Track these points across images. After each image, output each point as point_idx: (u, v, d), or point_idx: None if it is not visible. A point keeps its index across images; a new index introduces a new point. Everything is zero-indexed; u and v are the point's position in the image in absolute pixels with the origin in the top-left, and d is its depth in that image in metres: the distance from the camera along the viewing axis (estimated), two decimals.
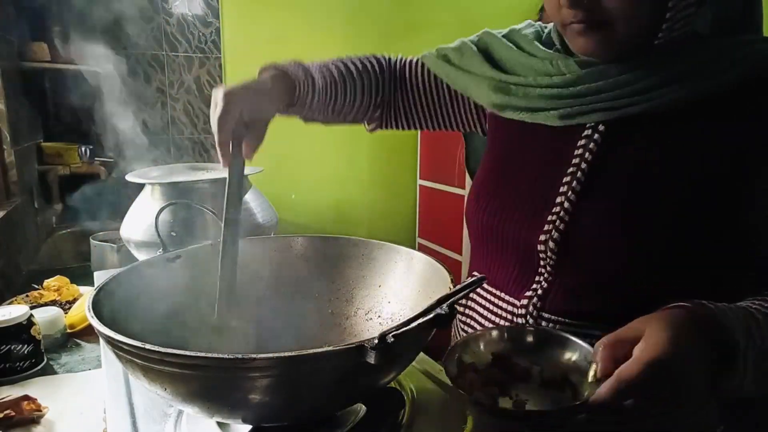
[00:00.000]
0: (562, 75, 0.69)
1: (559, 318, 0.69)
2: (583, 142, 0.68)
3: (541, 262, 0.70)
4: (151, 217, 0.92)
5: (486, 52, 0.80)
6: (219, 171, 1.36)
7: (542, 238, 0.68)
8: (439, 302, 0.53)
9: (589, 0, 0.60)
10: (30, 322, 0.97)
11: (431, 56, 0.87)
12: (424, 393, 0.73)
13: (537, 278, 0.71)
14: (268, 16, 2.50)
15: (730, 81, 0.61)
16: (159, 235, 0.90)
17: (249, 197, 1.27)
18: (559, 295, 0.69)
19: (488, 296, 0.79)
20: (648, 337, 0.50)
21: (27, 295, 1.29)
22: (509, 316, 0.74)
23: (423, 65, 0.91)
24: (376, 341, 0.49)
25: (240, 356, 0.48)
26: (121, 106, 2.33)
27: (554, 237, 0.67)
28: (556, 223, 0.68)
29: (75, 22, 2.19)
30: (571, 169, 0.68)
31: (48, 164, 2.09)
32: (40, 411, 0.82)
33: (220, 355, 0.49)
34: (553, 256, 0.68)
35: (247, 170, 1.29)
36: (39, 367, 0.98)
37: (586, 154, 0.67)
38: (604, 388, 0.50)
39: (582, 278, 0.66)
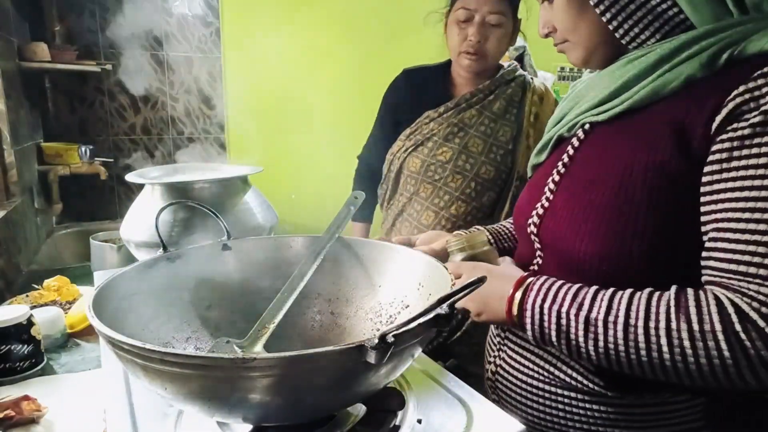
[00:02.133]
0: (573, 93, 0.84)
1: None
2: (573, 140, 0.78)
3: (535, 246, 0.81)
4: (151, 217, 0.92)
5: None
6: (219, 171, 1.36)
7: (528, 221, 0.80)
8: (439, 302, 0.53)
9: (544, 25, 0.78)
10: (30, 322, 0.97)
11: None
12: (424, 393, 0.73)
13: (535, 260, 0.81)
14: (268, 16, 2.50)
15: (693, 68, 0.63)
16: (159, 235, 0.90)
17: (249, 197, 1.27)
18: (549, 272, 0.75)
19: None
20: (493, 266, 0.80)
21: (27, 295, 1.29)
22: None
23: None
24: (376, 341, 0.49)
25: (240, 356, 0.48)
26: (121, 106, 2.33)
27: (535, 221, 0.79)
28: (538, 210, 0.79)
29: (75, 22, 2.19)
30: (558, 163, 0.79)
31: (48, 164, 2.09)
32: (40, 411, 0.82)
33: (220, 355, 0.49)
34: (537, 239, 0.79)
35: (247, 170, 1.30)
36: (39, 367, 0.98)
37: (569, 150, 0.77)
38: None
39: (560, 259, 0.75)
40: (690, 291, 0.60)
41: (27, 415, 0.80)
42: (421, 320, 0.52)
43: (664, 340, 0.58)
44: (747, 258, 0.57)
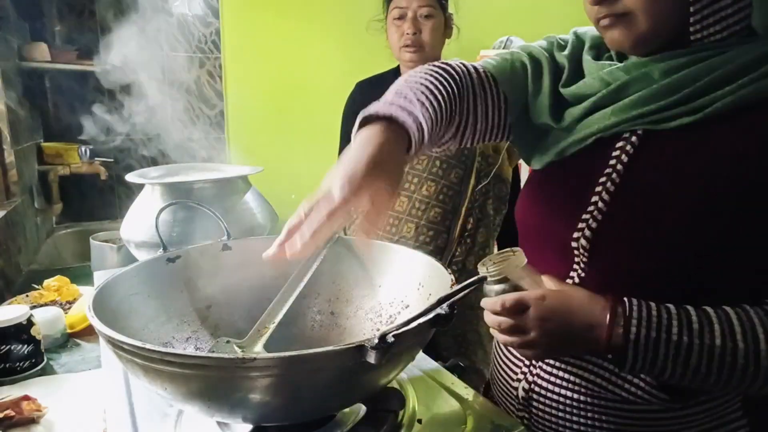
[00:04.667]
0: (607, 86, 0.70)
1: None
2: (620, 144, 0.69)
3: (575, 259, 0.71)
4: (151, 217, 0.92)
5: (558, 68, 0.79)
6: (219, 171, 1.36)
7: (576, 235, 0.70)
8: (439, 302, 0.53)
9: None
10: (30, 322, 0.97)
11: (504, 63, 0.84)
12: (424, 393, 0.73)
13: (571, 273, 0.72)
14: (268, 16, 2.49)
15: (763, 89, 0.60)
16: (159, 235, 0.90)
17: (249, 197, 1.27)
18: (587, 287, 0.68)
19: None
20: (562, 291, 0.64)
21: (27, 295, 1.29)
22: None
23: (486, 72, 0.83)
24: (376, 341, 0.49)
25: (240, 356, 0.48)
26: (121, 106, 2.33)
27: (586, 235, 0.69)
28: (589, 222, 0.69)
29: (75, 21, 2.19)
30: (607, 170, 0.69)
31: (48, 164, 2.09)
32: (40, 411, 0.82)
33: (220, 355, 0.49)
34: (585, 253, 0.70)
35: (247, 170, 1.30)
36: (39, 367, 0.98)
37: (623, 156, 0.69)
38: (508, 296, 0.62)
39: (610, 276, 0.67)
40: None
41: (27, 415, 0.80)
42: (421, 320, 0.52)
43: None
44: None
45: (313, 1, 2.57)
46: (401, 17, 1.45)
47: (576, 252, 0.71)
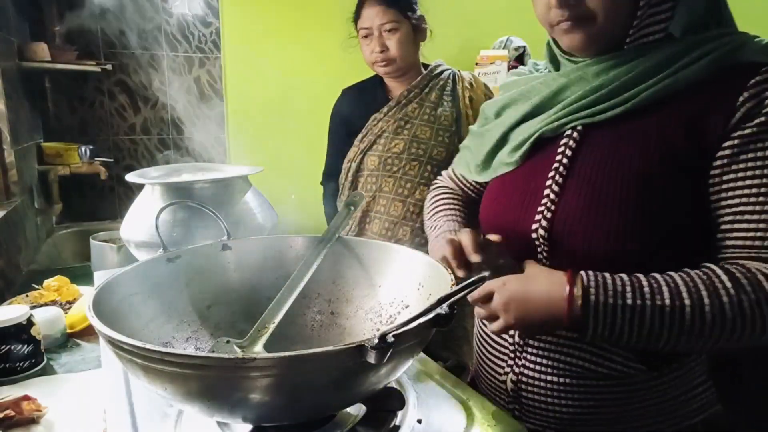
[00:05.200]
0: (549, 89, 0.80)
1: None
2: (564, 140, 0.77)
3: (538, 250, 0.77)
4: (151, 217, 0.92)
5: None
6: (219, 171, 1.36)
7: (533, 227, 0.77)
8: (439, 302, 0.53)
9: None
10: (30, 322, 0.97)
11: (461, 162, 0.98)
12: (424, 393, 0.73)
13: None
14: (268, 16, 2.49)
15: (701, 72, 0.68)
16: (159, 235, 0.90)
17: (249, 197, 1.27)
18: None
19: None
20: (524, 273, 0.72)
21: (27, 295, 1.29)
22: None
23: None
24: (376, 341, 0.49)
25: (240, 356, 0.48)
26: (121, 106, 2.33)
27: (543, 225, 0.75)
28: (544, 213, 0.76)
29: (75, 21, 2.19)
30: (554, 165, 0.77)
31: (48, 164, 2.09)
32: (40, 411, 0.82)
33: (220, 355, 0.49)
34: (545, 243, 0.76)
35: (247, 170, 1.30)
36: (39, 367, 0.98)
37: (567, 151, 0.76)
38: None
39: (571, 262, 0.71)
40: (733, 267, 0.65)
41: (27, 415, 0.80)
42: (421, 320, 0.52)
43: (731, 313, 0.62)
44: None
45: (313, 2, 2.57)
46: (367, 36, 1.50)
47: (537, 243, 0.77)
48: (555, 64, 0.82)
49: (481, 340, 0.89)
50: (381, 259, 0.84)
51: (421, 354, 0.82)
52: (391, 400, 0.69)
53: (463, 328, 1.58)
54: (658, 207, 0.69)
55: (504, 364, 0.83)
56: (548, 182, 0.77)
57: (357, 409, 0.67)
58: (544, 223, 0.75)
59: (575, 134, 0.76)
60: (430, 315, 0.52)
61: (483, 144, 0.89)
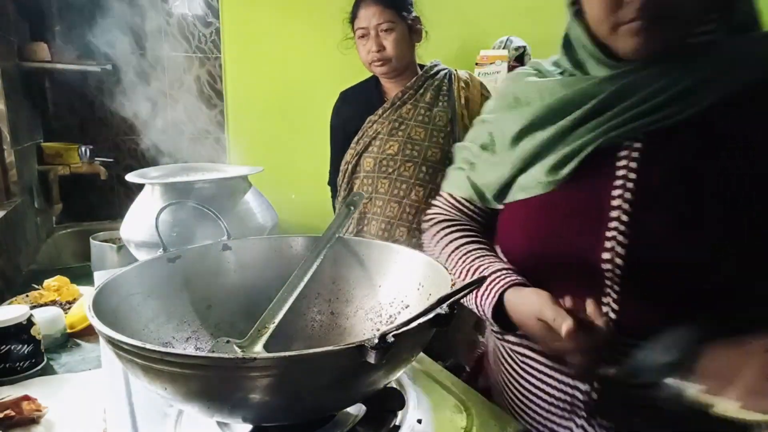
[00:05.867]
0: (592, 97, 0.70)
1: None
2: (624, 152, 0.68)
3: (607, 283, 0.67)
4: (151, 217, 0.92)
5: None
6: (219, 171, 1.36)
7: (605, 256, 0.67)
8: (439, 302, 0.53)
9: None
10: (30, 322, 0.97)
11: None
12: (424, 393, 0.73)
13: (604, 299, 0.69)
14: (268, 16, 2.49)
15: (757, 78, 0.63)
16: (159, 235, 0.90)
17: (249, 197, 1.27)
18: (630, 307, 0.66)
19: None
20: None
21: (27, 295, 1.29)
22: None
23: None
24: (376, 341, 0.49)
25: (240, 356, 0.48)
26: (121, 106, 2.33)
27: (619, 252, 0.66)
28: (618, 239, 0.66)
29: (75, 21, 2.19)
30: (618, 181, 0.68)
31: (48, 164, 2.08)
32: (40, 411, 0.82)
33: (220, 355, 0.49)
34: (617, 270, 0.66)
35: (247, 170, 1.30)
36: (39, 367, 0.98)
37: (631, 163, 0.67)
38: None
39: (652, 288, 0.64)
40: None
41: (27, 415, 0.80)
42: (421, 320, 0.52)
43: None
44: None
45: (313, 1, 2.57)
46: (364, 36, 1.51)
47: (607, 274, 0.67)
48: (580, 68, 0.74)
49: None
50: (381, 259, 0.84)
51: (421, 354, 0.82)
52: (391, 400, 0.69)
53: (463, 330, 1.58)
54: (745, 221, 0.61)
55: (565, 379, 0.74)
56: (614, 201, 0.67)
57: (357, 409, 0.67)
58: (619, 249, 0.66)
59: (637, 144, 0.67)
60: (430, 315, 0.52)
61: (502, 164, 0.78)
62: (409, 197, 1.50)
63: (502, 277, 0.74)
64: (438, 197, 0.95)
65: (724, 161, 0.63)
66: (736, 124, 0.64)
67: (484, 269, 0.77)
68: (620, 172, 0.67)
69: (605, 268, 0.67)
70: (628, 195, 0.66)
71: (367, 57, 1.52)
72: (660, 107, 0.65)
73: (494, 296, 0.73)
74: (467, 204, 0.89)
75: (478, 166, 0.85)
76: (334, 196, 1.77)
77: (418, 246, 1.43)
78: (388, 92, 1.59)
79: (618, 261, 0.66)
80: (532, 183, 0.74)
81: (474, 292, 0.76)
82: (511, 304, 0.71)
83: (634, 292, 0.67)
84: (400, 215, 1.50)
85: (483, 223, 0.89)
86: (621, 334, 0.66)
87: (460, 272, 0.80)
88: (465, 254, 0.81)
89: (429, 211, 0.96)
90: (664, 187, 0.65)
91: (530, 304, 0.68)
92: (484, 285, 0.75)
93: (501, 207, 0.82)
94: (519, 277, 0.74)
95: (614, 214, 0.67)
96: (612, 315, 0.69)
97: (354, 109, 1.61)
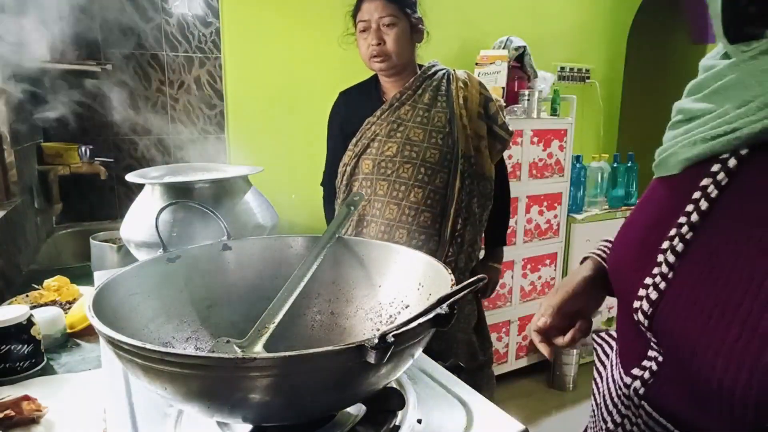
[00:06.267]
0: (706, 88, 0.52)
1: (660, 419, 0.53)
2: (715, 167, 0.49)
3: (649, 335, 0.53)
4: (151, 217, 0.92)
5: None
6: (219, 171, 1.36)
7: (636, 305, 0.53)
8: (439, 302, 0.53)
9: None
10: (30, 322, 0.97)
11: None
12: (424, 393, 0.73)
13: (648, 358, 0.55)
14: (268, 16, 2.49)
15: None
16: (159, 235, 0.90)
17: (249, 197, 1.27)
18: (667, 384, 0.52)
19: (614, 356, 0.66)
20: None
21: (27, 295, 1.29)
22: (615, 392, 0.60)
23: None
24: (376, 341, 0.49)
25: (240, 356, 0.48)
26: (121, 106, 2.32)
27: (643, 308, 0.52)
28: (649, 290, 0.51)
29: (75, 21, 2.19)
30: (682, 219, 0.51)
31: (48, 164, 2.08)
32: (40, 411, 0.82)
33: (220, 355, 0.49)
34: (649, 331, 0.53)
35: (247, 170, 1.30)
36: (39, 367, 0.98)
37: (712, 189, 0.49)
38: None
39: (687, 374, 0.48)
40: None
41: (27, 415, 0.80)
42: (421, 320, 0.52)
43: None
44: None
45: (313, 1, 2.57)
46: (365, 30, 1.48)
47: (641, 327, 0.54)
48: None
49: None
50: (381, 259, 0.84)
51: (421, 354, 0.82)
52: (391, 400, 0.69)
53: (463, 330, 1.58)
54: None
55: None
56: (665, 244, 0.51)
57: (357, 409, 0.67)
58: (645, 305, 0.52)
59: (732, 161, 0.47)
60: (430, 315, 0.52)
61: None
62: (408, 199, 1.48)
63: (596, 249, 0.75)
64: None
65: None
66: None
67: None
68: (696, 195, 0.50)
69: (636, 318, 0.53)
70: (677, 241, 0.50)
71: (366, 51, 1.50)
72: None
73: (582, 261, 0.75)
74: None
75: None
76: (326, 197, 1.74)
77: (418, 248, 1.43)
78: (387, 92, 1.58)
79: (641, 317, 0.53)
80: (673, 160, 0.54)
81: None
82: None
83: (674, 363, 0.52)
84: (399, 217, 1.49)
85: None
86: (647, 404, 0.55)
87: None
88: None
89: None
90: (716, 239, 0.48)
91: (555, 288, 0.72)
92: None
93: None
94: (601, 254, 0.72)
95: (660, 258, 0.51)
96: (646, 375, 0.55)
97: (353, 109, 1.60)
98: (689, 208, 0.50)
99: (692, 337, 0.47)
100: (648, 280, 0.52)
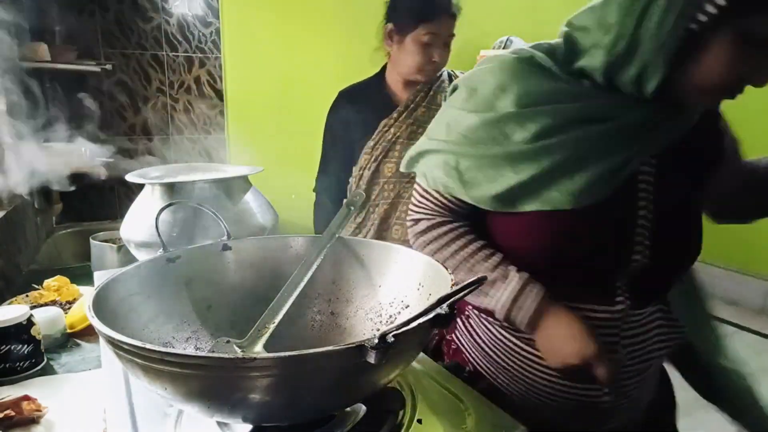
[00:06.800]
0: (618, 118, 0.78)
1: None
2: (644, 173, 0.80)
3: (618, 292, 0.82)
4: (151, 217, 0.92)
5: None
6: (219, 171, 1.36)
7: (636, 257, 0.81)
8: (439, 302, 0.53)
9: None
10: (30, 322, 0.97)
11: None
12: (424, 393, 0.73)
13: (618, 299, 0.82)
14: (268, 16, 2.50)
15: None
16: (159, 235, 0.90)
17: (249, 197, 1.27)
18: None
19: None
20: None
21: (27, 295, 1.29)
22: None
23: None
24: (377, 341, 0.49)
25: (240, 356, 0.48)
26: (121, 106, 2.33)
27: (643, 260, 0.82)
28: (645, 245, 0.81)
29: (75, 21, 2.19)
30: (642, 203, 0.80)
31: None
32: (40, 411, 0.82)
33: (221, 355, 0.49)
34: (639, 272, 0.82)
35: (247, 170, 1.29)
36: (39, 367, 0.98)
37: (647, 185, 0.80)
38: None
39: (659, 293, 0.86)
40: None
41: (27, 415, 0.80)
42: (421, 320, 0.52)
43: None
44: None
45: (313, 1, 2.57)
46: (431, 43, 1.44)
47: (632, 274, 0.81)
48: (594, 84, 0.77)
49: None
50: (381, 259, 0.84)
51: (421, 354, 0.82)
52: (391, 400, 0.69)
53: None
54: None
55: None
56: (640, 217, 0.79)
57: (357, 409, 0.67)
58: (638, 257, 0.80)
59: (649, 168, 0.79)
60: (430, 315, 0.52)
61: (514, 169, 0.77)
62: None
63: (536, 287, 0.79)
64: (421, 194, 0.89)
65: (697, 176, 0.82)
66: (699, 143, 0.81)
67: (514, 273, 0.80)
68: (642, 194, 0.79)
69: (633, 267, 0.80)
70: (645, 212, 0.79)
71: (420, 61, 1.46)
72: (670, 134, 0.78)
73: (533, 304, 0.78)
74: (456, 201, 0.85)
75: (472, 163, 0.79)
76: (320, 201, 1.72)
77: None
78: (398, 94, 1.56)
79: (639, 264, 0.80)
80: (559, 197, 0.76)
81: (500, 290, 0.80)
82: (550, 322, 0.77)
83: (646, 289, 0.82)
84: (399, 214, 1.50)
85: (467, 217, 0.87)
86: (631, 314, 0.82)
87: (489, 274, 0.81)
88: (485, 257, 0.82)
89: (415, 211, 0.91)
90: (673, 202, 0.80)
91: (569, 337, 0.75)
92: (518, 290, 0.78)
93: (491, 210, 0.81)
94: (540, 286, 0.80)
95: (640, 223, 0.79)
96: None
97: (357, 108, 1.58)
98: (642, 203, 0.79)
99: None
100: (638, 248, 0.80)
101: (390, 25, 1.48)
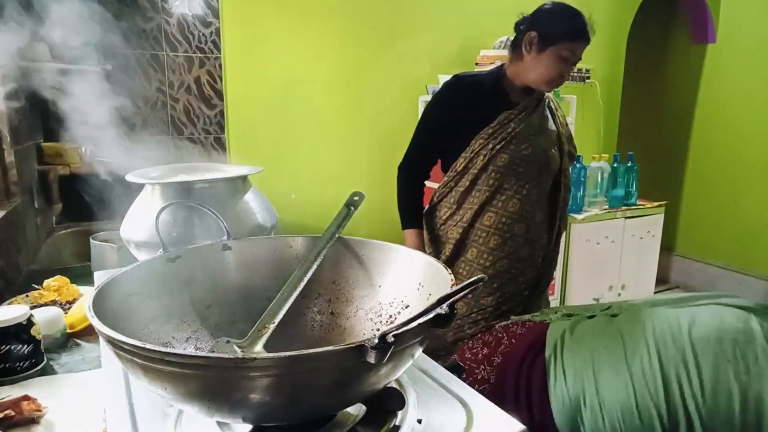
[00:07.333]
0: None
1: None
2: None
3: None
4: (151, 217, 0.92)
5: None
6: (219, 171, 1.36)
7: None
8: (439, 302, 0.53)
9: None
10: (30, 322, 0.97)
11: None
12: (424, 393, 0.73)
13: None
14: (268, 16, 2.49)
15: None
16: (159, 235, 0.90)
17: (249, 197, 1.27)
18: None
19: None
20: None
21: (27, 295, 1.29)
22: None
23: None
24: (376, 341, 0.49)
25: (240, 356, 0.48)
26: (121, 106, 2.32)
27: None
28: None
29: (75, 21, 2.18)
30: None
31: (48, 164, 2.08)
32: (40, 411, 0.82)
33: (220, 355, 0.49)
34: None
35: (247, 170, 1.29)
36: (39, 367, 0.98)
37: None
38: None
39: None
40: None
41: (27, 415, 0.80)
42: (421, 320, 0.52)
43: None
44: None
45: (313, 2, 2.57)
46: (568, 59, 1.53)
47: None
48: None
49: None
50: (381, 259, 0.84)
51: (421, 354, 0.82)
52: (391, 400, 0.69)
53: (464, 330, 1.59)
54: None
55: None
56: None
57: (357, 409, 0.67)
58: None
59: None
60: (430, 315, 0.52)
61: None
62: (529, 197, 1.60)
63: None
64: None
65: None
66: None
67: None
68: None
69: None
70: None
71: (553, 73, 1.55)
72: None
73: None
74: None
75: None
76: (407, 180, 1.76)
77: (531, 243, 1.63)
78: (513, 94, 1.63)
79: None
80: None
81: None
82: None
83: None
84: (520, 212, 1.60)
85: None
86: None
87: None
88: None
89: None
90: None
91: None
92: None
93: None
94: None
95: None
96: None
97: (475, 96, 1.63)
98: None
99: None
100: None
101: (534, 34, 1.53)
